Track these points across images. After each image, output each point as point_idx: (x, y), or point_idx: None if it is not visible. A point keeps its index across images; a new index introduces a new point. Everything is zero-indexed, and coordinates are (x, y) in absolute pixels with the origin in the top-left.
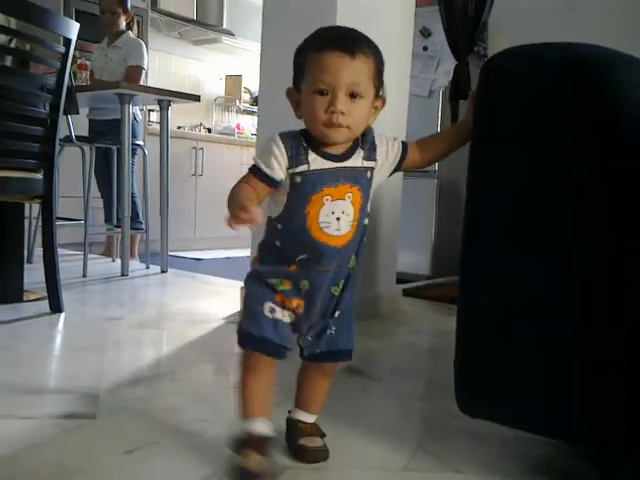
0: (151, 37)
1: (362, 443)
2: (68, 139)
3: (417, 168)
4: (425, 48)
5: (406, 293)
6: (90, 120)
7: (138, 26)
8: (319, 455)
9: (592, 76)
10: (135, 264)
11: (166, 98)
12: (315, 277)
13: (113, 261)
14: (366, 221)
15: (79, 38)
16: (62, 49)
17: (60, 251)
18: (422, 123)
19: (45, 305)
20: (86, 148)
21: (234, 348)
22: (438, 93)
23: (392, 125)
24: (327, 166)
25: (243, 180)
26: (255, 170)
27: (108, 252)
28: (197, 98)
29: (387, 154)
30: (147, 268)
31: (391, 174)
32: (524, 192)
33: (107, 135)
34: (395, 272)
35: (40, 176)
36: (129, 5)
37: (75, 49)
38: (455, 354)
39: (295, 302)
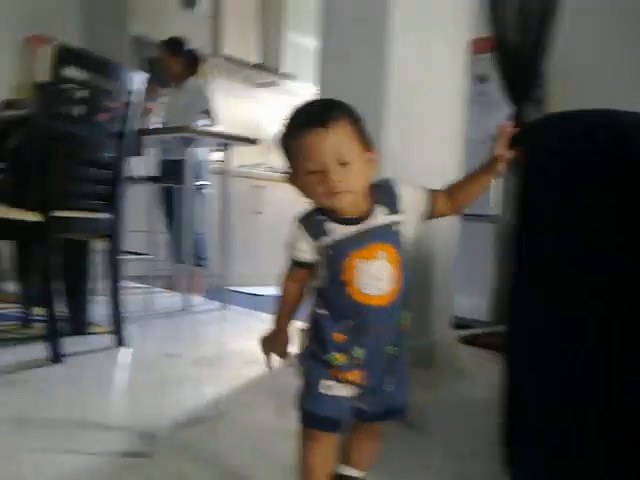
0: (214, 80)
1: None
2: (131, 179)
3: (446, 215)
4: (482, 94)
5: (463, 340)
6: (160, 160)
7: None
8: None
9: (632, 146)
10: (197, 299)
11: (225, 141)
12: (368, 341)
13: (177, 295)
14: (409, 275)
15: (152, 82)
16: (127, 98)
17: (127, 283)
18: None
19: (109, 339)
20: (152, 187)
21: (289, 390)
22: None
23: (446, 170)
24: (350, 231)
25: (288, 276)
26: (290, 261)
27: (172, 286)
28: (254, 142)
29: (413, 202)
30: (208, 303)
31: (423, 221)
32: (566, 266)
33: (174, 174)
34: (451, 318)
35: (107, 216)
36: (184, 49)
37: (147, 92)
38: (503, 416)
39: (351, 375)
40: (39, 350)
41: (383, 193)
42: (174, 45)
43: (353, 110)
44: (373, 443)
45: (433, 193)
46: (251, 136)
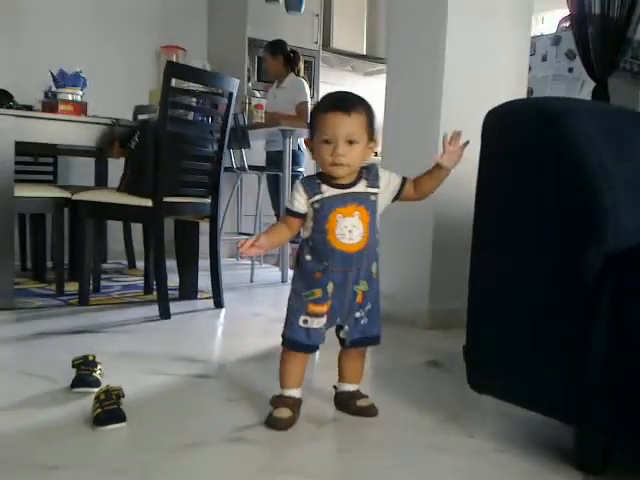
0: (323, 72)
1: (408, 414)
2: (242, 168)
3: (414, 200)
4: (570, 70)
5: None
6: (266, 151)
7: (309, 65)
8: (375, 411)
9: (550, 125)
10: None
11: None
12: (338, 278)
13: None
14: (377, 235)
15: (262, 81)
16: (226, 101)
17: (242, 261)
18: None
19: (211, 302)
20: (261, 175)
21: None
22: None
23: None
24: (336, 193)
25: (282, 219)
26: (286, 210)
27: (278, 262)
28: None
29: (388, 184)
30: None
31: (393, 200)
32: (509, 204)
33: (278, 164)
34: None
35: (209, 200)
36: (284, 49)
37: (257, 90)
38: (466, 340)
39: (325, 307)
40: (154, 311)
41: (368, 172)
42: (273, 47)
43: (371, 108)
44: (358, 362)
45: (406, 180)
46: None
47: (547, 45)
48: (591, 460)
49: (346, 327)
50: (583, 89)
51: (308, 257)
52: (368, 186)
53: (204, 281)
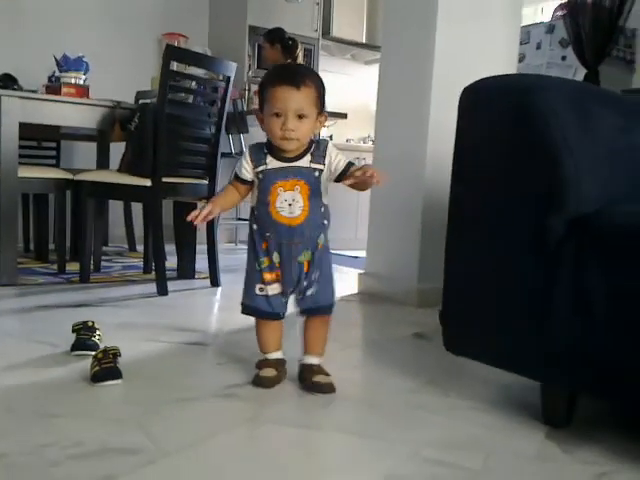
0: (324, 60)
1: (392, 378)
2: (241, 153)
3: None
4: (564, 58)
5: None
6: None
7: (309, 53)
8: (331, 388)
9: (518, 100)
10: None
11: None
12: (283, 250)
13: None
14: (322, 209)
15: (262, 68)
16: (224, 84)
17: (240, 245)
18: None
19: (207, 282)
20: None
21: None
22: None
23: None
24: (279, 165)
25: (231, 182)
26: (234, 175)
27: None
28: (344, 116)
29: (331, 164)
30: None
31: (335, 181)
32: (480, 176)
33: None
34: None
35: (206, 182)
36: (282, 38)
37: (257, 77)
38: (442, 306)
39: (274, 274)
40: (152, 288)
41: (317, 148)
42: (271, 35)
43: (321, 81)
44: (319, 332)
45: (351, 166)
46: (361, 110)
47: (541, 33)
48: (556, 414)
49: (299, 297)
50: (575, 77)
51: (255, 226)
52: (312, 162)
53: (202, 264)
